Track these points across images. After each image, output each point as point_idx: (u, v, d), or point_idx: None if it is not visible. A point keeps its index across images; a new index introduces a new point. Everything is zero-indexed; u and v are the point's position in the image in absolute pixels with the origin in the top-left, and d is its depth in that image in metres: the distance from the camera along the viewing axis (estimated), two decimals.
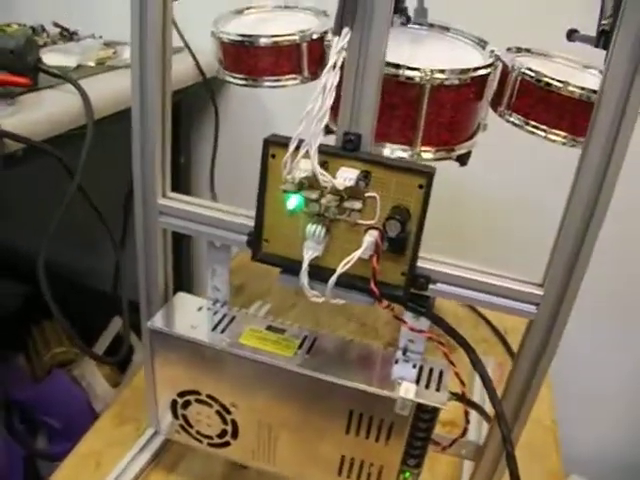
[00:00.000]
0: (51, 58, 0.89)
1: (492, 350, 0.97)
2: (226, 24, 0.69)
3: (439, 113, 0.63)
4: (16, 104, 0.77)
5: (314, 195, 0.48)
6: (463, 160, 0.70)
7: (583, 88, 0.61)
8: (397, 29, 0.73)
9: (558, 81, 0.61)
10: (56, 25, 1.04)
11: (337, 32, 0.44)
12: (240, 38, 0.65)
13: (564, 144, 0.64)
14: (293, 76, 0.68)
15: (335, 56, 0.43)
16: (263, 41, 0.65)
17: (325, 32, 0.67)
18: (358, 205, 0.48)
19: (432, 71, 0.60)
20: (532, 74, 0.62)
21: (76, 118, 0.81)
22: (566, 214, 0.48)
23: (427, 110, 0.62)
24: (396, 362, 0.57)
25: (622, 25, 0.41)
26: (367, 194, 0.49)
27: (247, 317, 0.61)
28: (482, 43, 0.71)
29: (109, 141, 0.85)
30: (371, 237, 0.48)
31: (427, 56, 0.68)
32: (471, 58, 0.68)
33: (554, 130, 0.64)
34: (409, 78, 0.60)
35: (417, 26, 0.75)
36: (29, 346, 1.08)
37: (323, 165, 0.49)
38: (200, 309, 0.62)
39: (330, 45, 0.66)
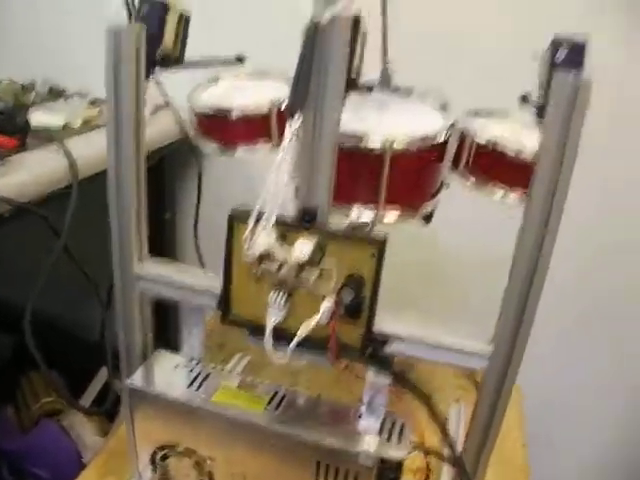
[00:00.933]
0: (39, 117, 0.96)
1: (469, 396, 1.02)
2: (201, 93, 0.76)
3: (401, 178, 0.69)
4: (5, 165, 0.83)
5: (274, 267, 0.54)
6: (427, 219, 0.76)
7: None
8: (364, 95, 0.80)
9: (512, 145, 0.68)
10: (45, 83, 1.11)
11: (290, 116, 0.50)
12: (212, 110, 0.71)
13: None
14: (265, 143, 0.74)
15: (288, 138, 0.49)
16: (234, 112, 0.71)
17: None
18: (314, 275, 0.54)
19: (392, 141, 0.66)
20: (487, 139, 0.68)
21: (62, 178, 0.87)
22: (511, 272, 0.54)
23: (389, 176, 0.68)
24: (360, 416, 0.62)
25: (552, 98, 0.48)
26: (324, 263, 0.54)
27: (221, 374, 0.67)
28: (444, 106, 0.77)
29: (95, 199, 0.91)
30: (328, 303, 0.54)
31: (391, 123, 0.74)
32: (433, 122, 0.74)
33: (511, 191, 0.70)
34: (371, 148, 0.66)
35: (383, 91, 0.81)
36: (18, 397, 1.12)
37: (282, 237, 0.55)
38: (177, 367, 0.67)
39: None
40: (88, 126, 1.00)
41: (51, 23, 1.29)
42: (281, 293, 0.56)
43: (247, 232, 0.51)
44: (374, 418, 0.62)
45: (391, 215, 0.70)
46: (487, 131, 0.69)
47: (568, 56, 0.51)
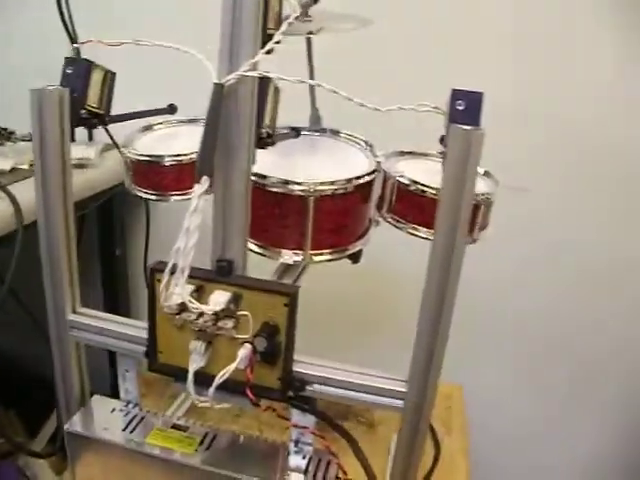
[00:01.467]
0: None
1: None
2: (135, 141, 0.79)
3: (326, 220, 0.72)
4: None
5: (192, 317, 0.57)
6: (355, 258, 0.80)
7: None
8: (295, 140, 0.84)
9: (429, 187, 0.72)
10: None
11: (197, 180, 0.53)
12: (146, 158, 0.75)
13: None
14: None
15: (196, 200, 0.53)
16: (167, 160, 0.74)
17: None
18: (230, 324, 0.57)
19: (315, 184, 0.70)
20: (406, 182, 0.72)
21: (8, 223, 0.90)
22: (421, 312, 0.57)
23: (314, 218, 0.71)
24: (289, 454, 0.66)
25: (448, 145, 0.52)
26: (240, 313, 0.58)
27: (155, 417, 0.70)
28: (369, 146, 0.82)
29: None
30: (245, 350, 0.57)
31: (318, 166, 0.78)
32: (359, 163, 0.78)
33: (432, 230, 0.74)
34: (295, 192, 0.70)
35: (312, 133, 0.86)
36: None
37: (199, 289, 0.58)
38: (113, 411, 0.70)
39: None
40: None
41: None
42: (201, 341, 0.59)
43: (162, 286, 0.55)
44: (300, 456, 0.65)
45: (319, 257, 0.74)
46: (407, 173, 0.73)
47: (465, 108, 0.55)
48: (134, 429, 0.68)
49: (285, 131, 0.79)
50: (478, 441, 1.10)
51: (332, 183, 0.70)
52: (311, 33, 0.79)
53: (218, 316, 0.58)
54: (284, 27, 0.56)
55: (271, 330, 0.58)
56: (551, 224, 1.19)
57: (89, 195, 1.07)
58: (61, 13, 1.09)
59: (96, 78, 0.64)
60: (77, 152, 1.08)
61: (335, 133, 0.86)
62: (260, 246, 0.74)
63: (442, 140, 0.77)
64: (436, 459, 0.96)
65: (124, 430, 0.67)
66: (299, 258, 0.74)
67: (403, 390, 0.60)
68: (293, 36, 0.78)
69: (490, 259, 1.26)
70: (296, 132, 0.80)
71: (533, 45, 1.10)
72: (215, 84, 0.53)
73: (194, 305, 0.55)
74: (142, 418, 0.69)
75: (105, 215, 1.22)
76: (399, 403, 0.60)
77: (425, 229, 0.74)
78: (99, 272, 1.26)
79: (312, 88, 0.87)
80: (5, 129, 1.13)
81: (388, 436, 1.02)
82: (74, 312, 0.67)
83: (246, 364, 0.57)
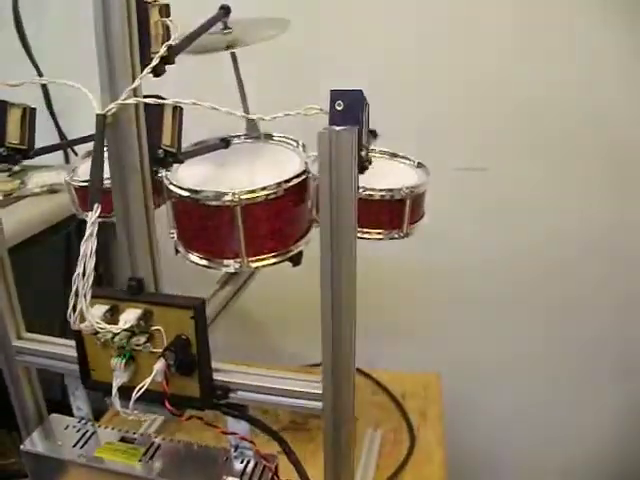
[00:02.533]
0: None
1: (388, 416, 1.07)
2: (77, 168, 0.84)
3: (260, 226, 0.75)
4: None
5: (108, 335, 0.62)
6: (295, 261, 0.82)
7: (382, 190, 0.74)
8: (235, 145, 0.87)
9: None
10: None
11: (90, 207, 0.57)
12: (86, 183, 0.80)
13: (381, 239, 0.78)
14: None
15: (90, 227, 0.57)
16: (106, 183, 0.79)
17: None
18: (143, 339, 0.61)
19: (242, 192, 0.73)
20: None
21: None
22: (321, 314, 0.60)
23: (246, 226, 0.74)
24: (227, 459, 0.69)
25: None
26: (153, 328, 0.62)
27: (105, 432, 0.75)
28: (302, 147, 0.84)
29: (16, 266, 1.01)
30: (160, 364, 0.61)
31: (253, 171, 0.82)
32: (295, 165, 0.81)
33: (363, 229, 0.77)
34: (224, 203, 0.72)
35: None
36: None
37: (114, 308, 0.62)
38: (67, 428, 0.76)
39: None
40: (9, 199, 1.10)
41: None
42: (120, 358, 0.63)
43: (69, 310, 0.59)
44: (238, 462, 0.69)
45: (259, 262, 0.77)
46: None
47: (344, 108, 0.57)
48: (85, 444, 0.73)
49: (213, 142, 0.83)
50: (456, 429, 1.12)
51: (263, 189, 0.73)
52: (230, 47, 0.83)
53: (134, 332, 0.62)
54: (162, 51, 0.59)
55: (182, 343, 0.61)
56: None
57: (64, 217, 1.14)
58: None
59: (14, 116, 0.69)
60: (50, 178, 1.15)
61: (268, 137, 0.89)
62: (202, 258, 0.79)
63: (372, 133, 0.80)
64: (410, 449, 0.99)
65: (74, 446, 0.73)
66: (238, 266, 0.78)
67: (318, 392, 0.62)
68: (215, 52, 0.83)
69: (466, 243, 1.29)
70: (225, 142, 0.83)
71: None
72: (97, 115, 0.57)
73: (101, 326, 0.59)
74: (93, 433, 0.74)
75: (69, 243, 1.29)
76: (318, 405, 0.63)
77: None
78: None
79: (243, 98, 0.90)
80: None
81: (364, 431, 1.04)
82: (19, 338, 0.73)
83: (162, 377, 0.62)
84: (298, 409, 0.64)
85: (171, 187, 0.76)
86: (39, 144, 0.71)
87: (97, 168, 0.57)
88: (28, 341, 0.73)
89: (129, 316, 0.61)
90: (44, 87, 1.26)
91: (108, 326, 0.60)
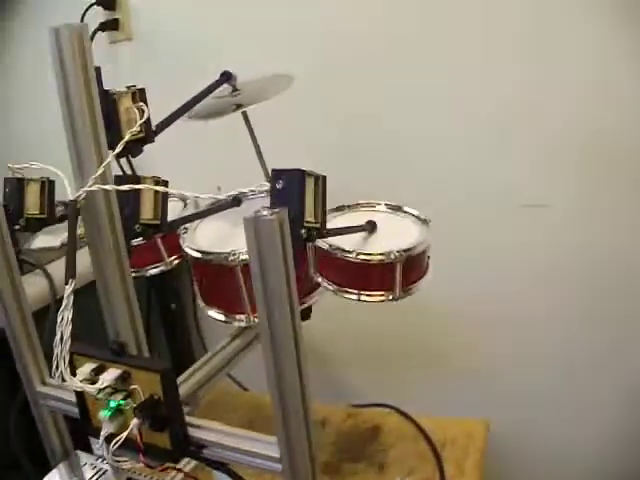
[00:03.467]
0: (39, 240, 1.23)
1: (424, 465, 1.08)
2: None
3: None
4: None
5: (94, 391, 0.70)
6: (304, 316, 0.87)
7: (364, 253, 0.77)
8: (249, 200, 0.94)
9: (343, 250, 0.78)
10: None
11: (66, 282, 0.66)
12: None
13: (358, 300, 0.80)
14: (157, 264, 0.92)
15: (66, 299, 0.66)
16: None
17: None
18: (120, 397, 0.69)
19: (240, 253, 0.79)
20: (324, 246, 0.79)
21: (45, 298, 1.12)
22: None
23: (247, 285, 0.80)
24: None
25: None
26: (132, 387, 0.70)
27: (117, 471, 0.84)
28: None
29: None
30: (136, 420, 0.69)
31: None
32: None
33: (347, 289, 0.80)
34: (228, 263, 0.79)
35: None
36: None
37: (101, 367, 0.71)
38: (85, 465, 0.86)
39: (183, 233, 0.88)
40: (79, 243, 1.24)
41: None
42: (106, 411, 0.71)
43: (53, 371, 0.68)
44: None
45: None
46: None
47: (283, 187, 0.62)
48: None
49: (224, 202, 0.90)
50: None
51: None
52: (238, 107, 0.89)
53: (117, 390, 0.70)
54: (127, 137, 0.67)
55: (153, 402, 0.68)
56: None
57: None
58: None
59: (32, 190, 0.80)
60: None
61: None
62: (219, 312, 0.87)
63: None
64: None
65: None
66: (243, 323, 0.85)
67: (276, 456, 0.67)
68: (225, 115, 0.90)
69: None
70: (237, 201, 0.90)
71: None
72: (69, 201, 0.66)
73: (77, 385, 0.68)
74: (105, 472, 0.84)
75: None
76: (278, 467, 0.67)
77: (355, 290, 0.81)
78: (160, 324, 1.47)
79: (261, 160, 0.96)
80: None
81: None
82: (43, 384, 0.84)
83: (136, 431, 0.69)
84: (263, 471, 0.69)
85: (186, 249, 0.84)
86: None
87: (71, 246, 0.66)
88: (51, 387, 0.84)
89: (108, 376, 0.69)
90: None
91: (85, 386, 0.68)
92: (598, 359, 1.27)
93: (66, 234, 1.25)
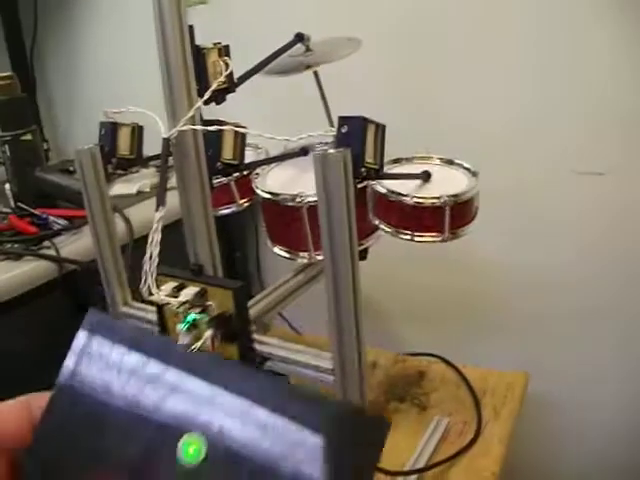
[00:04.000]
0: (117, 188, 1.36)
1: (463, 409, 1.17)
2: None
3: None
4: (78, 234, 1.23)
5: (176, 304, 0.82)
6: (361, 255, 0.97)
7: (418, 197, 0.87)
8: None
9: (400, 194, 0.88)
10: None
11: (157, 208, 0.78)
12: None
13: (411, 240, 0.90)
14: (229, 206, 1.03)
15: (156, 223, 0.78)
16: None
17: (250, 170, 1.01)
18: (198, 311, 0.81)
19: (307, 195, 0.90)
20: (382, 190, 0.89)
21: (122, 239, 1.25)
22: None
23: (311, 224, 0.91)
24: None
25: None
26: (207, 303, 0.82)
27: None
28: None
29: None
30: (209, 332, 0.81)
31: None
32: None
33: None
34: (294, 203, 0.90)
35: None
36: None
37: (181, 286, 0.83)
38: None
39: (255, 178, 1.00)
40: (154, 192, 1.37)
41: None
42: (183, 324, 0.84)
43: (141, 286, 0.81)
44: None
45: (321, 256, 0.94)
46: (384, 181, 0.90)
47: (348, 131, 0.72)
48: None
49: (293, 151, 1.01)
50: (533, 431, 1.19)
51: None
52: (309, 67, 1.00)
53: (194, 305, 0.82)
54: (214, 85, 0.78)
55: (225, 317, 0.80)
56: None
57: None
58: None
59: (124, 133, 0.92)
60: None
61: None
62: (283, 250, 0.98)
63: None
64: (473, 441, 1.09)
65: None
66: (305, 259, 0.96)
67: (329, 365, 0.78)
68: (297, 73, 1.00)
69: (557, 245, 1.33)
70: (304, 151, 1.00)
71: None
72: (163, 138, 0.77)
73: (162, 299, 0.80)
74: None
75: (226, 227, 1.54)
76: (330, 378, 0.78)
77: (409, 231, 0.90)
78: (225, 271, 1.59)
79: (327, 111, 1.06)
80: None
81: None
82: (125, 304, 0.97)
83: (209, 342, 0.81)
84: (315, 381, 0.80)
85: (257, 191, 0.96)
86: None
87: (163, 178, 0.78)
88: (133, 308, 0.97)
89: (188, 292, 0.81)
90: None
91: (168, 298, 0.80)
92: None
93: (141, 183, 1.40)
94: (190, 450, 0.34)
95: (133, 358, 0.37)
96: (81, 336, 0.38)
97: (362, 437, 0.32)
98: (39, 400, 0.37)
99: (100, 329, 0.38)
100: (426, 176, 0.91)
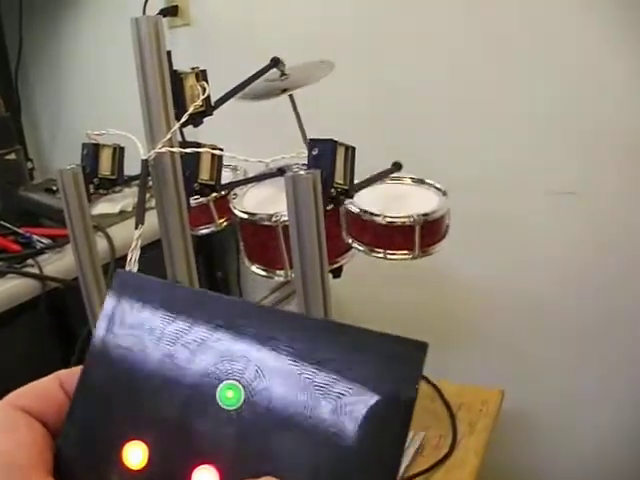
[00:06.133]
0: (100, 207, 1.40)
1: (439, 423, 1.22)
2: None
3: None
4: (62, 252, 1.27)
5: None
6: (335, 273, 1.02)
7: (389, 216, 0.92)
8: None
9: (372, 214, 0.92)
10: None
11: (136, 227, 0.82)
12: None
13: (384, 258, 0.95)
14: (208, 225, 1.07)
15: (135, 242, 0.82)
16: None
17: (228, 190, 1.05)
18: None
19: (282, 214, 0.94)
20: (355, 210, 0.94)
21: (104, 257, 1.29)
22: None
23: (286, 242, 0.95)
24: None
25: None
26: None
27: None
28: None
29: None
30: None
31: None
32: None
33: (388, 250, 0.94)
34: (270, 223, 0.94)
35: None
36: None
37: None
38: None
39: (233, 198, 1.04)
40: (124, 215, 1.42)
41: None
42: None
43: None
44: None
45: None
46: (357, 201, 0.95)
47: (318, 154, 0.76)
48: None
49: (269, 172, 1.05)
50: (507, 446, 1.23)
51: None
52: (285, 90, 1.05)
53: None
54: (191, 109, 0.83)
55: None
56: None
57: None
58: None
59: (105, 154, 0.97)
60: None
61: None
62: (262, 269, 1.03)
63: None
64: (448, 454, 1.13)
65: None
66: (282, 277, 1.00)
67: None
68: (272, 98, 1.05)
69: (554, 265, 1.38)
70: (281, 172, 1.05)
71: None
72: (142, 160, 0.82)
73: None
74: None
75: (206, 248, 1.59)
76: None
77: (382, 249, 0.95)
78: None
79: (303, 132, 1.11)
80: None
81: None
82: None
83: None
84: None
85: (235, 210, 1.00)
86: None
87: (141, 198, 0.82)
88: None
89: None
90: None
91: None
92: (620, 338, 1.39)
93: (123, 202, 1.44)
94: (229, 394, 0.35)
95: (163, 315, 0.37)
96: (110, 300, 0.38)
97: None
98: (68, 375, 0.38)
99: (128, 290, 0.38)
100: (397, 167, 0.97)
